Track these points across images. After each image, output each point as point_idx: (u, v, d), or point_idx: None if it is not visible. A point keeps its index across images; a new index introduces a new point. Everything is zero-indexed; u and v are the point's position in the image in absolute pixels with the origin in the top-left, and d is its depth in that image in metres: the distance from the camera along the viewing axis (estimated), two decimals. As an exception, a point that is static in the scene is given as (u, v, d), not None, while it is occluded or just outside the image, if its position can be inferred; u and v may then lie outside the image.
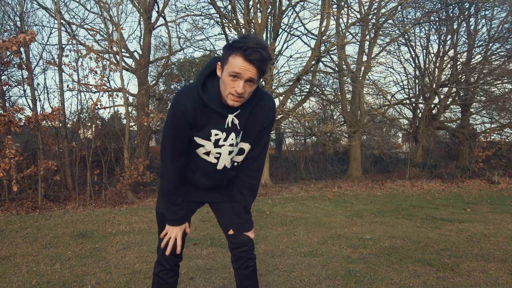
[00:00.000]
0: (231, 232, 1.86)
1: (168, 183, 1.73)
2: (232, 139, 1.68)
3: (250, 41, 1.46)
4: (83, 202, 7.53)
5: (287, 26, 12.73)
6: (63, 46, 8.48)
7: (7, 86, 8.57)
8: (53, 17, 9.16)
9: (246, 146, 1.74)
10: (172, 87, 16.29)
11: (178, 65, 15.56)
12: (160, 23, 11.47)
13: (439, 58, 13.69)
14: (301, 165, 16.70)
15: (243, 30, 10.63)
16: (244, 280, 1.90)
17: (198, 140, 1.67)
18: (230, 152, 1.72)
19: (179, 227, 1.81)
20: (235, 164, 1.79)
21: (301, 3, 11.75)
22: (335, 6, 12.28)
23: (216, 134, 1.65)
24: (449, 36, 13.44)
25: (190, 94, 1.60)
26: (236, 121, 1.64)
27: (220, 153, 1.71)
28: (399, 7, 11.49)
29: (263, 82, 10.56)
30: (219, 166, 1.75)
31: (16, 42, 6.10)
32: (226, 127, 1.64)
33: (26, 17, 9.18)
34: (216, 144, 1.68)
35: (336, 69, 13.11)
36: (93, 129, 9.25)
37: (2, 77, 8.46)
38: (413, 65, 14.18)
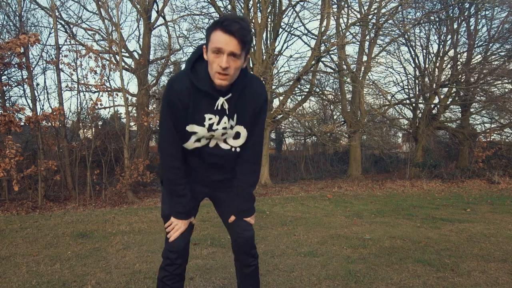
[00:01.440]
0: (231, 218, 1.84)
1: (169, 173, 1.72)
2: (225, 123, 1.68)
3: (227, 15, 1.50)
4: (83, 202, 7.53)
5: (287, 26, 12.76)
6: (60, 46, 8.49)
7: (7, 86, 8.57)
8: (50, 16, 9.14)
9: (242, 129, 1.74)
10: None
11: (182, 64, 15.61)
12: (160, 23, 11.49)
13: (439, 58, 13.67)
14: (301, 165, 16.70)
15: (243, 30, 10.61)
16: (246, 279, 1.90)
17: (191, 127, 1.67)
18: (223, 134, 1.72)
19: (185, 221, 1.79)
20: (233, 149, 1.78)
21: (301, 3, 11.77)
22: (335, 6, 12.28)
23: (210, 118, 1.66)
24: (449, 36, 13.44)
25: (183, 79, 1.62)
26: (226, 105, 1.64)
27: (212, 135, 1.72)
28: (399, 7, 11.49)
29: (263, 82, 10.54)
30: (211, 144, 1.75)
31: (20, 44, 6.09)
32: (215, 109, 1.64)
33: (26, 18, 9.18)
34: (210, 128, 1.68)
35: (336, 69, 13.12)
36: (93, 129, 9.25)
37: (2, 77, 8.45)
38: (413, 65, 14.19)
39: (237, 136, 1.75)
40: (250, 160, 1.80)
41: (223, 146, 1.77)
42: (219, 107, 1.64)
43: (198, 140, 1.72)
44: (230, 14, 1.50)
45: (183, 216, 1.78)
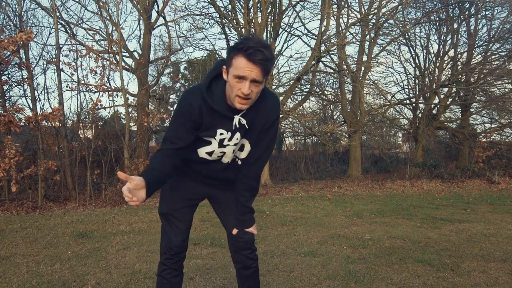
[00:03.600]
0: (234, 231, 1.85)
1: (158, 154, 1.63)
2: (237, 139, 1.69)
3: (251, 41, 1.46)
4: (83, 202, 7.53)
5: (287, 26, 12.73)
6: (61, 46, 8.49)
7: (7, 86, 8.57)
8: (51, 16, 9.14)
9: (246, 143, 1.75)
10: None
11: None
12: (160, 23, 11.49)
13: (439, 58, 13.67)
14: (301, 165, 16.69)
15: (243, 30, 10.63)
16: (246, 281, 1.91)
17: (205, 138, 1.68)
18: (233, 151, 1.74)
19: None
20: (237, 160, 1.80)
21: (301, 3, 11.74)
22: (335, 6, 12.28)
23: (221, 134, 1.66)
24: (449, 36, 13.43)
25: (197, 95, 1.61)
26: (244, 121, 1.65)
27: (224, 152, 1.73)
28: (400, 7, 11.49)
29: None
30: (224, 160, 1.77)
31: (13, 41, 6.09)
32: (234, 128, 1.65)
33: (26, 17, 9.17)
34: (221, 144, 1.69)
35: (336, 69, 13.11)
36: (93, 129, 9.25)
37: (2, 77, 8.45)
38: (413, 65, 14.17)
39: (241, 148, 1.77)
40: (251, 176, 1.79)
41: (230, 160, 1.78)
42: (237, 125, 1.64)
43: (209, 153, 1.73)
44: (253, 39, 1.47)
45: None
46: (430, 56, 14.05)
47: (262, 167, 1.83)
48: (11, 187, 6.31)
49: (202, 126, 1.64)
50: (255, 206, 6.73)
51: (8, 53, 6.91)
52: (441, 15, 13.08)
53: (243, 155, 1.78)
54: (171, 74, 16.92)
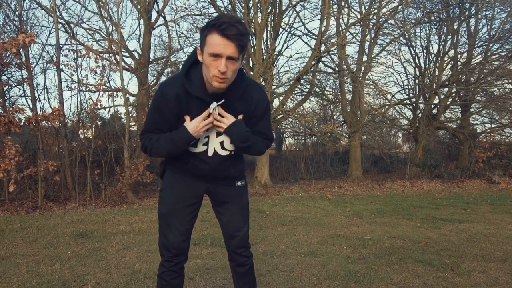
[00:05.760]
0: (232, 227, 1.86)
1: (148, 143, 1.74)
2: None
3: (224, 17, 1.46)
4: (83, 202, 7.53)
5: (287, 26, 12.75)
6: (61, 46, 8.49)
7: (7, 86, 8.56)
8: (51, 16, 9.13)
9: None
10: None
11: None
12: (160, 23, 11.49)
13: (439, 58, 13.67)
14: (301, 165, 16.68)
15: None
16: (241, 278, 1.91)
17: None
18: (218, 134, 1.71)
19: (192, 126, 1.63)
20: (231, 153, 1.77)
21: (302, 3, 11.76)
22: (335, 6, 12.28)
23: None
24: (449, 36, 13.43)
25: (175, 84, 1.62)
26: (217, 111, 1.64)
27: (208, 136, 1.71)
28: (400, 7, 11.49)
29: (263, 82, 10.55)
30: (210, 152, 1.73)
31: (15, 44, 6.07)
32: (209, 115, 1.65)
33: (25, 17, 9.17)
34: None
35: (336, 69, 13.11)
36: (93, 129, 9.25)
37: (2, 77, 8.45)
38: (413, 65, 14.19)
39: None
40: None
41: (222, 152, 1.75)
42: (211, 111, 1.64)
43: (194, 144, 1.71)
44: (226, 16, 1.47)
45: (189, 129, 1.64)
46: (430, 56, 14.06)
47: (268, 139, 1.82)
48: (9, 187, 6.29)
49: (182, 114, 1.64)
50: (255, 206, 6.74)
51: (9, 53, 6.91)
52: (441, 15, 13.09)
53: (227, 144, 1.74)
54: (171, 74, 16.94)
